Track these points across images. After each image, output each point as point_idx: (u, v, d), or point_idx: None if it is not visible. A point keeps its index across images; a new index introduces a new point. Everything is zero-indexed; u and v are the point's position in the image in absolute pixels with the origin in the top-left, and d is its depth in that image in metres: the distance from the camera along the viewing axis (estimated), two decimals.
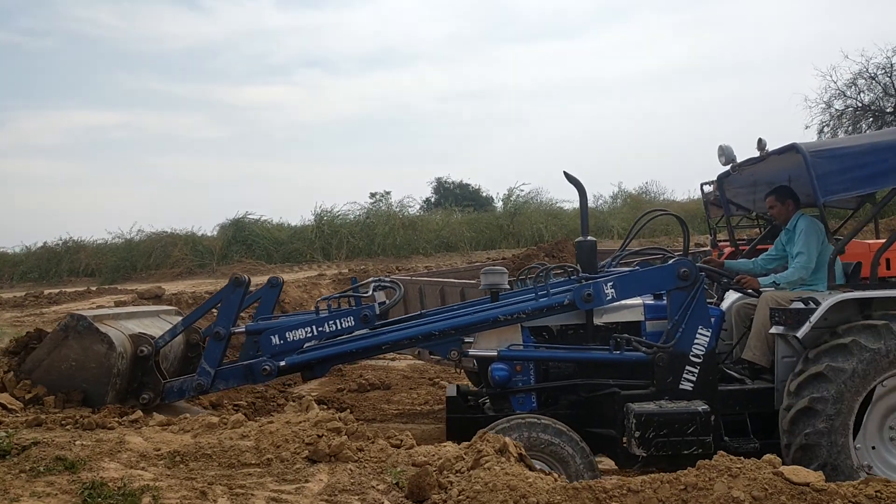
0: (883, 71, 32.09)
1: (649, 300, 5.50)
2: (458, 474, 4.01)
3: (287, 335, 5.26)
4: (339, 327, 5.33)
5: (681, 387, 5.07)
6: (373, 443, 4.61)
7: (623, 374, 5.29)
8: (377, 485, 4.05)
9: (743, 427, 5.21)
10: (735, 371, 5.55)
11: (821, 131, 33.32)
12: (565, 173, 5.75)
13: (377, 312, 5.39)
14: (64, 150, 59.01)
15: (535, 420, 4.83)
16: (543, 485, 3.69)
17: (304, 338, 5.31)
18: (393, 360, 12.15)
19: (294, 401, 8.73)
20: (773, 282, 5.55)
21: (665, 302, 5.31)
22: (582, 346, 5.32)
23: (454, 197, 37.92)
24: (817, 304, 4.96)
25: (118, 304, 11.59)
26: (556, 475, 4.07)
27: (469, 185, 40.94)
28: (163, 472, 4.17)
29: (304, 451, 4.44)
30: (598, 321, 5.40)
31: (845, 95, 32.98)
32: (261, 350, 5.30)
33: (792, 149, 5.13)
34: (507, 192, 32.64)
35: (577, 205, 5.92)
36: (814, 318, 4.90)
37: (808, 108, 34.23)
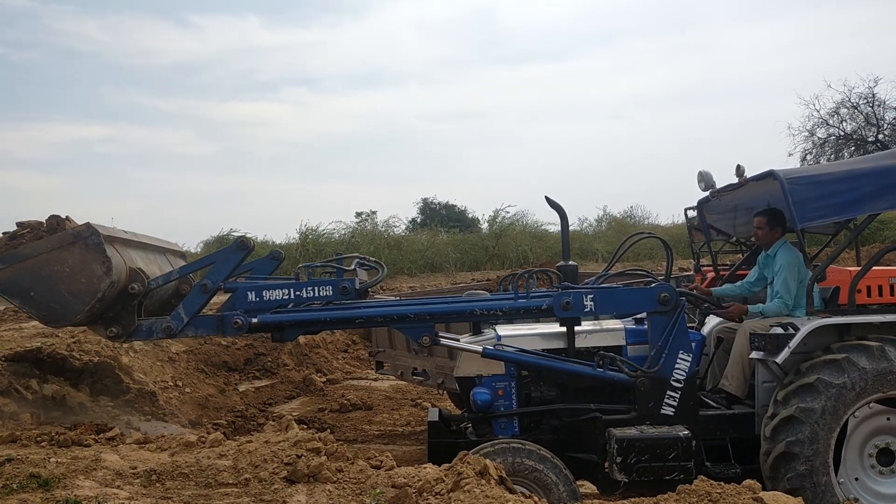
0: (865, 101, 32.69)
1: (630, 324, 5.50)
2: (437, 496, 3.98)
3: (264, 294, 5.19)
4: (317, 294, 5.25)
5: (662, 411, 5.07)
6: (352, 463, 4.57)
7: (604, 398, 5.29)
8: None
9: (724, 452, 5.20)
10: (711, 399, 5.55)
11: (804, 159, 33.80)
12: (546, 198, 5.78)
13: (357, 287, 5.33)
14: (48, 163, 58.61)
15: (519, 445, 4.80)
16: None
17: (280, 299, 5.23)
18: (375, 380, 12.10)
19: (274, 420, 8.67)
20: (760, 312, 5.57)
21: (645, 327, 5.32)
22: (567, 359, 5.29)
23: (440, 217, 37.95)
24: (796, 329, 4.99)
25: None
26: (536, 499, 4.05)
27: (455, 205, 41.01)
28: (138, 491, 4.11)
29: (283, 471, 4.39)
30: (579, 345, 5.39)
31: (828, 124, 33.54)
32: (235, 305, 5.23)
33: (769, 175, 5.18)
34: (492, 214, 32.72)
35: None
36: (793, 343, 4.93)
37: (792, 136, 34.71)
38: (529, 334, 5.47)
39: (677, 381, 5.09)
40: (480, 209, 49.42)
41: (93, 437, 5.25)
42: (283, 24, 72.44)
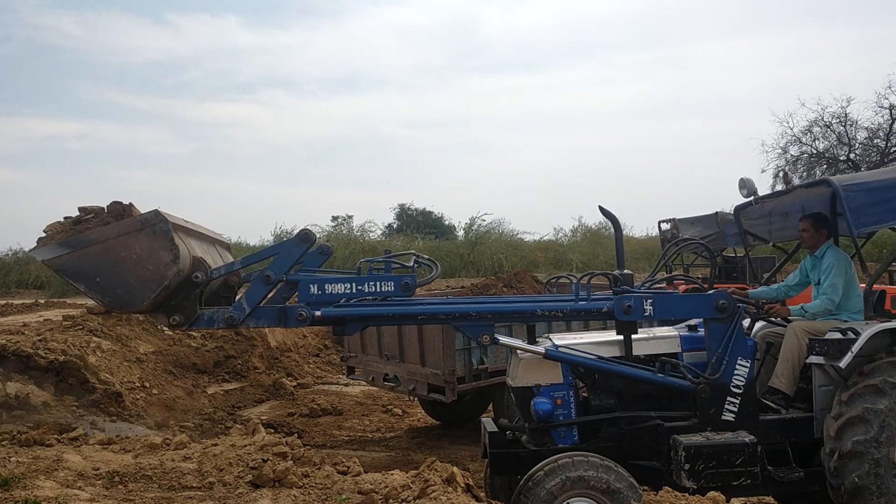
0: (837, 120, 33.24)
1: (684, 332, 5.58)
2: (404, 503, 3.97)
3: (326, 287, 5.13)
4: (379, 290, 5.21)
5: (723, 417, 5.14)
6: (319, 469, 4.54)
7: (661, 405, 5.34)
8: None
9: (783, 456, 5.29)
10: (769, 402, 5.62)
11: (776, 175, 34.29)
12: (600, 207, 5.81)
13: (417, 283, 5.32)
14: (18, 158, 57.78)
15: (583, 458, 4.79)
16: None
17: (342, 293, 5.17)
18: (347, 385, 12.04)
19: (242, 424, 8.60)
20: (802, 310, 5.69)
21: (700, 333, 5.42)
22: (631, 364, 5.31)
23: (416, 224, 37.95)
24: (857, 333, 5.10)
25: (66, 318, 11.31)
26: None
27: (432, 212, 41.04)
28: (100, 493, 4.05)
29: (248, 475, 4.36)
30: (636, 352, 5.43)
31: (801, 142, 34.05)
32: (297, 297, 5.21)
33: (823, 183, 5.38)
34: (468, 221, 32.79)
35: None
36: (855, 347, 5.03)
37: (765, 153, 35.14)
38: (586, 342, 5.49)
39: (737, 386, 5.16)
40: (457, 216, 49.58)
41: (55, 436, 5.17)
42: (262, 26, 72.28)
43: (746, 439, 4.87)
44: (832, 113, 33.08)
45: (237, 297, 5.30)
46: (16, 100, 62.55)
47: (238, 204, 54.88)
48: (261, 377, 11.87)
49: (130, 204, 5.21)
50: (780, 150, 34.11)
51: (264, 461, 4.44)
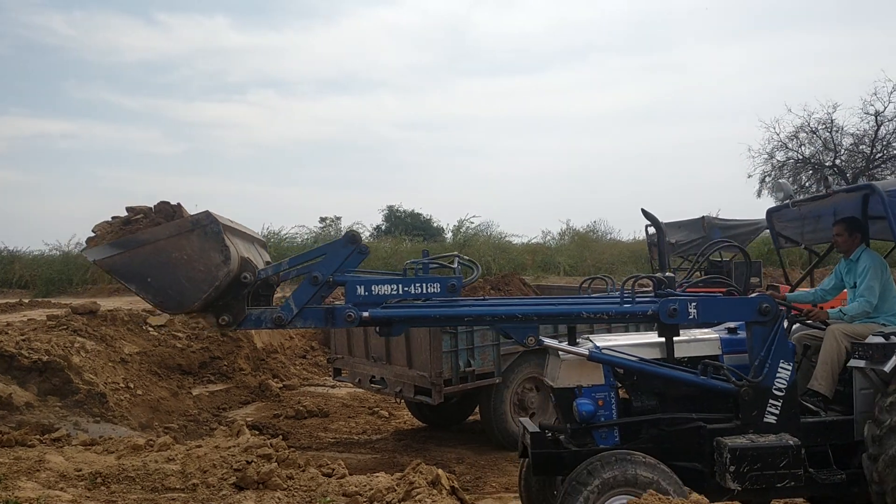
0: (823, 126, 33.48)
1: (724, 334, 5.62)
2: None
3: (373, 288, 5.13)
4: (425, 291, 5.20)
5: (765, 420, 5.19)
6: (303, 471, 4.53)
7: (701, 407, 5.38)
8: None
9: (823, 458, 5.32)
10: (809, 403, 5.68)
11: (762, 181, 34.52)
12: (643, 210, 5.82)
13: (463, 285, 5.32)
14: (6, 156, 57.34)
15: (630, 456, 4.85)
16: None
17: (388, 294, 5.17)
18: (333, 387, 12.00)
19: (226, 425, 8.56)
20: (840, 313, 5.74)
21: (739, 336, 5.47)
22: (675, 367, 5.35)
23: (405, 225, 37.91)
24: None
25: (50, 317, 11.22)
26: None
27: (420, 214, 41.01)
28: (82, 494, 4.02)
29: (232, 477, 4.34)
30: (678, 355, 5.46)
31: (787, 147, 34.25)
32: (345, 298, 5.17)
33: (867, 188, 5.51)
34: (457, 224, 32.77)
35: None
36: None
37: (752, 158, 35.36)
38: (626, 344, 5.51)
39: (779, 389, 5.20)
40: (446, 218, 49.53)
41: (37, 437, 5.13)
42: (253, 27, 72.08)
43: (790, 442, 4.95)
44: (818, 119, 33.35)
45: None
46: (4, 98, 62.12)
47: (228, 204, 54.83)
48: (246, 378, 11.81)
49: (178, 204, 5.23)
50: (766, 156, 34.31)
51: (248, 463, 4.41)
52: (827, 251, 6.76)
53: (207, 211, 4.95)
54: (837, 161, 33.88)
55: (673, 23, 70.39)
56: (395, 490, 4.10)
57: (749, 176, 35.04)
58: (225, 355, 11.98)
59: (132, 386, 9.91)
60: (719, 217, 13.04)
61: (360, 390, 10.79)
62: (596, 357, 5.22)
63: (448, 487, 4.11)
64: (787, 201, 6.29)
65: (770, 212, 6.85)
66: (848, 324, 5.61)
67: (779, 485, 4.86)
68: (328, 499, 4.13)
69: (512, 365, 8.53)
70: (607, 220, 35.07)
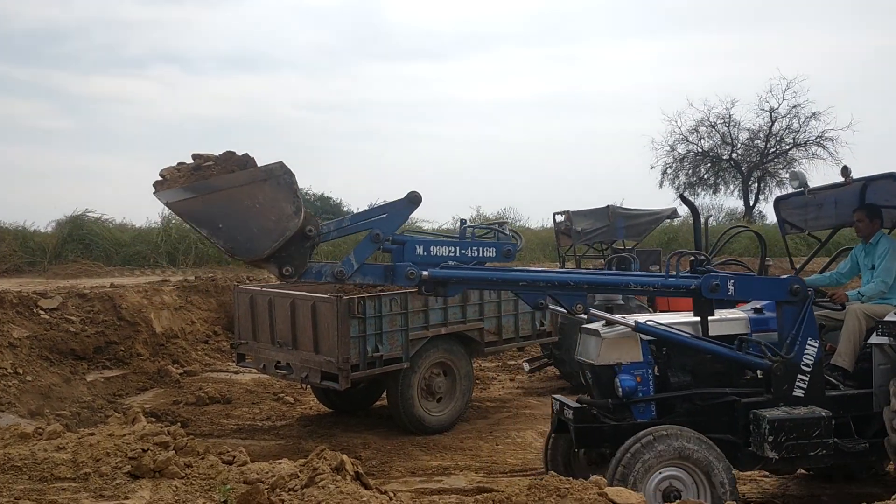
0: (722, 121, 35.03)
1: (752, 314, 5.93)
2: (291, 493, 3.90)
3: (431, 249, 5.28)
4: (481, 255, 5.37)
5: (794, 394, 5.53)
6: (203, 458, 4.40)
7: (732, 382, 5.70)
8: (203, 503, 3.86)
9: (845, 428, 5.67)
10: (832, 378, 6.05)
11: (664, 172, 35.79)
12: (681, 196, 5.98)
13: (519, 250, 5.50)
14: None
15: (678, 431, 5.09)
16: None
17: (446, 255, 5.31)
18: (237, 373, 11.73)
19: (122, 412, 8.25)
20: (859, 294, 6.17)
21: (766, 315, 5.84)
22: (717, 342, 5.60)
23: (314, 209, 37.36)
24: None
25: None
26: (390, 495, 4.04)
27: (330, 198, 40.57)
28: None
29: (127, 465, 4.18)
30: (712, 333, 5.68)
31: (688, 140, 35.67)
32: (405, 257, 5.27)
33: (890, 177, 5.82)
34: (367, 208, 32.49)
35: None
36: None
37: (654, 150, 36.62)
38: (665, 321, 5.75)
39: (807, 364, 5.56)
40: (355, 203, 49.13)
41: None
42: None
43: (823, 413, 5.35)
44: (717, 114, 34.92)
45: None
46: None
47: (125, 183, 52.20)
48: (145, 364, 11.40)
49: (246, 154, 5.13)
50: (668, 148, 35.63)
51: (144, 451, 4.26)
52: (829, 237, 7.21)
53: (281, 162, 4.93)
54: (734, 154, 35.50)
55: (581, 16, 71.75)
56: (298, 476, 4.03)
57: (651, 167, 36.43)
58: (122, 340, 11.52)
59: (21, 371, 9.43)
60: (623, 206, 13.37)
61: (265, 376, 10.61)
62: (642, 328, 5.48)
63: (352, 473, 4.07)
64: (803, 188, 6.66)
65: (778, 200, 7.30)
66: (867, 304, 6.04)
67: (811, 453, 5.28)
68: (228, 486, 4.03)
69: (420, 350, 8.55)
70: (516, 207, 35.49)
